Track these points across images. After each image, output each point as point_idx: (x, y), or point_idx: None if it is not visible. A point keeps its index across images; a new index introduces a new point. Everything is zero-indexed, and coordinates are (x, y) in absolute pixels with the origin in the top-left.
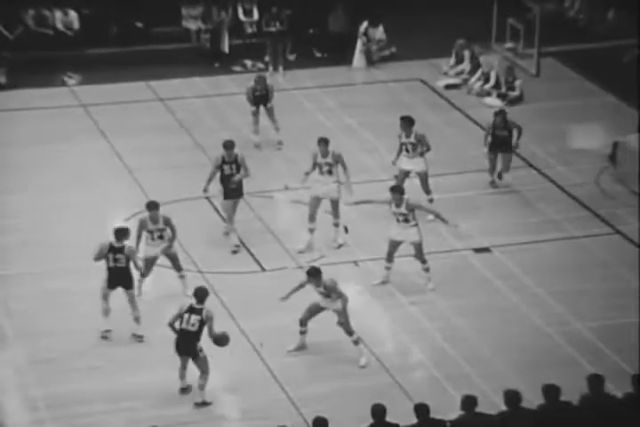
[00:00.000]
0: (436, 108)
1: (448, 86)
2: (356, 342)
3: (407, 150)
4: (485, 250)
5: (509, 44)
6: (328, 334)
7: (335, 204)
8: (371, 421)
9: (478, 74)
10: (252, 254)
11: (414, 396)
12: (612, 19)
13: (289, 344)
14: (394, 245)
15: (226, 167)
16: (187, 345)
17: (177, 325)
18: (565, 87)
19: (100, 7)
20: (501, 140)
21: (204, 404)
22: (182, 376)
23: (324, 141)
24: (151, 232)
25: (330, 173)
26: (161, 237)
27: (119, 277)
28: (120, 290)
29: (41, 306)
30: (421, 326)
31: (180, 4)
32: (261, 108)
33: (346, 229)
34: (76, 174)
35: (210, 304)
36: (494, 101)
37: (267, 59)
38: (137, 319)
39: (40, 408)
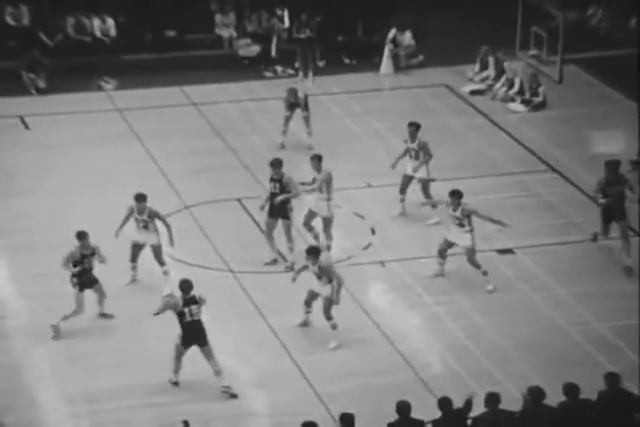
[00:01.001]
0: (460, 113)
1: (473, 92)
2: (333, 327)
3: (411, 156)
4: (509, 251)
5: (533, 52)
6: (356, 331)
7: (327, 222)
8: (396, 416)
9: (503, 80)
10: (280, 254)
11: (438, 393)
12: (633, 27)
13: (317, 341)
14: (448, 245)
15: (271, 185)
16: (197, 334)
17: (186, 318)
18: (587, 93)
19: (136, 15)
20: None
21: (228, 388)
22: (179, 369)
23: (317, 158)
24: (137, 221)
25: (320, 190)
26: (145, 227)
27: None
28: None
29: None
30: (445, 325)
31: (214, 12)
32: (296, 112)
33: (373, 231)
34: (111, 176)
35: (239, 302)
36: (518, 107)
37: (297, 65)
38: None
39: (76, 403)
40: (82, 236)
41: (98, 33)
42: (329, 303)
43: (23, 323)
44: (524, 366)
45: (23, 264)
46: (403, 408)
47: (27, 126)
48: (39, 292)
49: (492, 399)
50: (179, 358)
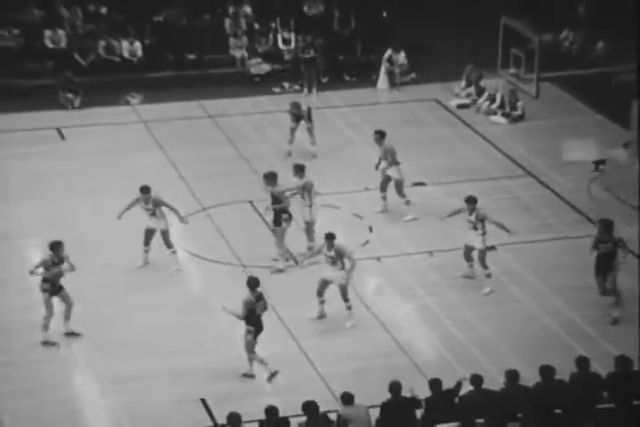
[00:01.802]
0: (449, 124)
1: (459, 106)
2: (349, 308)
3: (381, 158)
4: (492, 248)
5: (512, 70)
6: (356, 320)
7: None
8: (389, 396)
9: (485, 95)
10: (288, 251)
11: (428, 375)
12: (601, 49)
13: (320, 328)
14: (469, 249)
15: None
16: (261, 327)
17: (257, 313)
18: (561, 107)
19: (160, 38)
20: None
21: (272, 374)
22: (254, 359)
23: (297, 167)
24: (145, 210)
25: (302, 197)
26: (153, 215)
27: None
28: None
29: (107, 296)
30: (436, 316)
31: (228, 36)
32: (301, 124)
33: (370, 230)
34: (136, 181)
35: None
36: (500, 119)
37: (302, 81)
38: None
39: (106, 383)
40: (55, 246)
41: (126, 54)
42: (345, 288)
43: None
44: (505, 351)
45: None
46: (395, 387)
47: (62, 137)
48: (73, 286)
49: (477, 380)
50: (251, 349)
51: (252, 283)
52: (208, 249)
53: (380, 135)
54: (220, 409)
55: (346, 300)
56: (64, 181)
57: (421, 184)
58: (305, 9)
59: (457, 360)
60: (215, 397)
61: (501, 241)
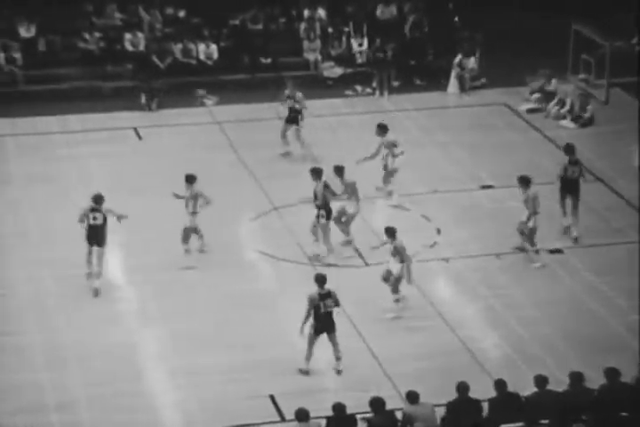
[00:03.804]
0: (518, 128)
1: (529, 110)
2: (397, 301)
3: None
4: (558, 251)
5: (582, 76)
6: (422, 319)
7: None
8: (455, 396)
9: (556, 100)
10: (357, 250)
11: (492, 374)
12: None
13: (387, 326)
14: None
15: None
16: (328, 324)
17: (321, 310)
18: (630, 113)
19: (236, 41)
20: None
21: (338, 370)
22: (311, 356)
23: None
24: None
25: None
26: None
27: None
28: None
29: (178, 291)
30: (500, 315)
31: (302, 39)
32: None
33: (438, 231)
34: (210, 179)
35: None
36: (569, 124)
37: (374, 85)
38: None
39: (177, 376)
40: (97, 200)
41: (202, 56)
42: (397, 280)
43: (134, 307)
44: (570, 352)
45: (131, 255)
46: (462, 388)
47: (139, 137)
48: (142, 280)
49: (541, 380)
50: (311, 345)
51: (320, 279)
52: (279, 248)
53: (381, 129)
54: (287, 405)
55: (394, 291)
56: (139, 179)
57: (489, 187)
58: (378, 13)
59: (521, 360)
60: (283, 392)
61: (567, 244)
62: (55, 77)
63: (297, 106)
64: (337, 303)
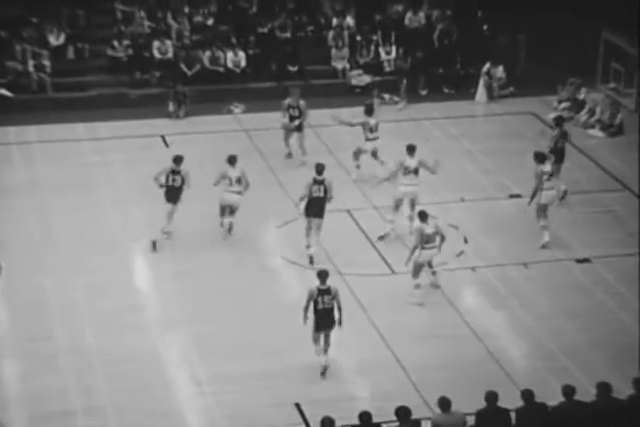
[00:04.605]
0: (545, 138)
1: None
2: (416, 287)
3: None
4: (586, 260)
5: (612, 85)
6: (449, 328)
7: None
8: (484, 405)
9: (586, 109)
10: (384, 259)
11: (519, 384)
12: None
13: (414, 335)
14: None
15: (314, 188)
16: (330, 319)
17: (319, 306)
18: None
19: (264, 49)
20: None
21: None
22: (322, 351)
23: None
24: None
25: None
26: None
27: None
28: None
29: (209, 296)
30: (527, 325)
31: (330, 47)
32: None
33: (465, 240)
34: None
35: (344, 300)
36: (597, 133)
37: (401, 93)
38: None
39: (203, 383)
40: (177, 161)
41: (230, 64)
42: (419, 266)
43: (157, 315)
44: (598, 362)
45: (158, 260)
46: (490, 397)
47: (167, 144)
48: (169, 286)
49: (569, 391)
50: (317, 342)
51: (322, 275)
52: (302, 255)
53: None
54: (313, 413)
55: (414, 277)
56: None
57: (517, 196)
58: (406, 22)
59: (548, 370)
60: (308, 400)
61: (596, 254)
62: (83, 85)
63: (298, 114)
64: (337, 301)
